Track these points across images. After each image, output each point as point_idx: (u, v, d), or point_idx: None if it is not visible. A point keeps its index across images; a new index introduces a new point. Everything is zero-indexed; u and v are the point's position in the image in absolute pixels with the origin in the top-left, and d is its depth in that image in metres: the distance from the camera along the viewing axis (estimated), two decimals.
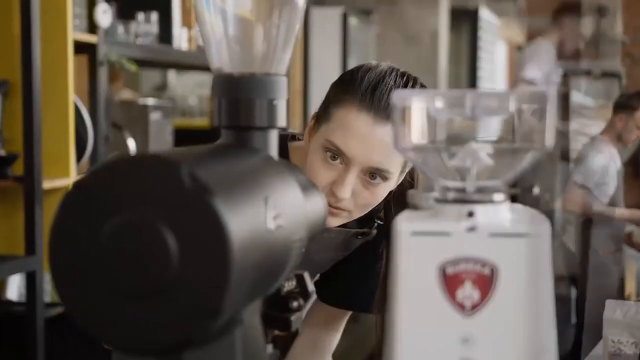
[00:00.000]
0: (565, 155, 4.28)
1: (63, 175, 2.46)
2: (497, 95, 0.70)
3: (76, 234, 0.62)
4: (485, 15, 7.45)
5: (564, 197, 4.05)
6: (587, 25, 9.25)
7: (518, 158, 0.70)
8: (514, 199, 0.72)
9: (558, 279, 4.03)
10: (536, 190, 4.07)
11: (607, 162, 3.93)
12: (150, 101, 3.08)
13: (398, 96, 0.70)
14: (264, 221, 0.67)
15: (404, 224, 0.69)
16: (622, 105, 4.27)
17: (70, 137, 2.47)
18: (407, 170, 1.33)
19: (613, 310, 1.95)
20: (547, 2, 9.77)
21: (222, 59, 0.82)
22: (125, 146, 2.85)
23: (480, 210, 0.69)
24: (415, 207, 0.78)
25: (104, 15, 2.60)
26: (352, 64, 5.76)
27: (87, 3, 2.60)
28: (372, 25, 5.06)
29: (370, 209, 1.30)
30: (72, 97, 2.47)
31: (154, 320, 0.60)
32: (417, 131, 0.71)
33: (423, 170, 0.72)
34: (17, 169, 2.36)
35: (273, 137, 0.82)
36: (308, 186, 0.85)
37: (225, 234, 0.60)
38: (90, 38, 2.61)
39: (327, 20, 4.77)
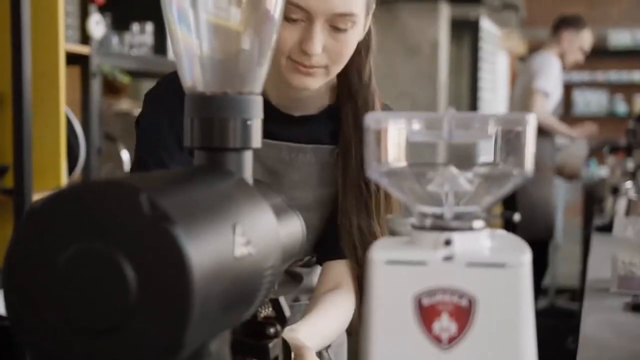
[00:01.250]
0: None
1: (54, 188, 2.43)
2: (475, 118, 0.67)
3: (31, 261, 0.59)
4: (487, 25, 7.43)
5: (530, 108, 4.17)
6: None
7: (498, 184, 0.67)
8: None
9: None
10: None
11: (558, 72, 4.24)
12: None
13: (372, 118, 0.67)
14: (231, 249, 0.64)
15: (378, 252, 0.66)
16: (569, 24, 4.33)
17: (62, 149, 2.44)
18: (371, 12, 1.28)
19: (623, 227, 1.81)
20: (548, 13, 9.76)
21: (194, 77, 0.79)
22: (119, 158, 2.82)
23: (458, 238, 0.66)
24: (393, 233, 0.75)
25: (97, 26, 2.57)
26: None
27: (80, 14, 2.58)
28: None
29: (345, 61, 1.25)
30: (64, 109, 2.44)
31: (111, 356, 0.57)
32: (392, 155, 0.68)
33: (399, 196, 0.69)
34: (7, 181, 2.33)
35: (247, 158, 0.79)
36: (283, 209, 0.82)
37: (185, 264, 0.57)
38: (83, 49, 2.58)
39: None
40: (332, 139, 1.33)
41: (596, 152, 9.66)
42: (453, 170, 0.68)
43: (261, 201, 0.74)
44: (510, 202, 4.17)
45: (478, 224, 0.67)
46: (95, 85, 2.61)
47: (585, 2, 9.77)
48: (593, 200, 4.58)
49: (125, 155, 2.88)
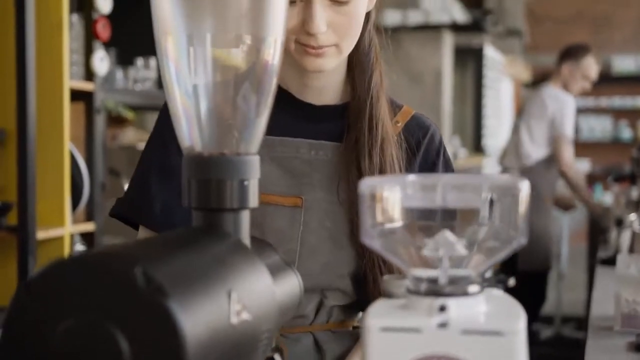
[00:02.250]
0: None
1: (58, 224, 2.44)
2: (469, 184, 0.68)
3: (27, 336, 0.59)
4: (490, 52, 7.46)
5: (560, 156, 4.19)
6: None
7: (493, 249, 0.68)
8: None
9: None
10: None
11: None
12: None
13: (366, 183, 0.68)
14: (227, 317, 0.64)
15: (373, 318, 0.66)
16: (568, 55, 4.36)
17: (66, 186, 2.45)
18: None
19: (626, 264, 1.79)
20: (551, 39, 9.80)
21: (192, 138, 0.80)
22: (123, 192, 2.82)
23: (453, 303, 0.66)
24: (388, 295, 0.75)
25: (101, 62, 2.59)
26: None
27: (85, 50, 2.60)
28: None
29: (357, 35, 1.17)
30: (68, 145, 2.45)
31: None
32: (386, 220, 0.68)
33: (393, 260, 0.70)
34: (11, 218, 2.34)
35: (245, 218, 0.80)
36: (279, 267, 0.82)
37: (180, 337, 0.57)
38: (87, 86, 2.60)
39: None
40: None
41: (601, 178, 9.67)
42: (448, 235, 0.68)
43: (257, 263, 0.74)
44: None
45: (473, 288, 0.67)
46: (100, 121, 2.63)
47: (588, 28, 9.81)
48: (597, 230, 4.57)
49: None
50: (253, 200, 0.79)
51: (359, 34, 1.17)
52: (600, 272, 2.79)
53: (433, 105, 5.44)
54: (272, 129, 1.22)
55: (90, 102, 2.61)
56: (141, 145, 3.12)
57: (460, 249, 0.68)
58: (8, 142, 2.39)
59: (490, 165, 7.39)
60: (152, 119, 3.37)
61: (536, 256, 4.14)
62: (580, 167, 9.83)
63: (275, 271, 0.79)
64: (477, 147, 7.30)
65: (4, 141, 2.38)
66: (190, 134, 0.80)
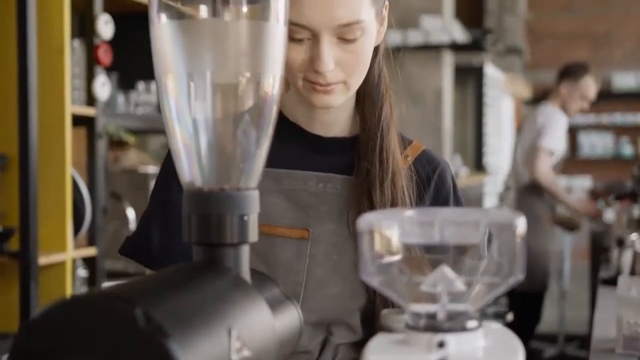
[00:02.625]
0: None
1: (60, 249, 2.45)
2: (467, 220, 0.68)
3: None
4: (491, 71, 7.48)
5: (533, 163, 4.18)
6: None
7: (491, 284, 0.68)
8: None
9: None
10: None
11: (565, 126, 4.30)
12: (151, 169, 3.08)
13: (364, 220, 0.68)
14: (227, 355, 0.65)
15: (373, 355, 0.66)
16: (567, 74, 4.35)
17: (68, 211, 2.45)
18: (385, 10, 1.20)
19: (627, 286, 1.79)
20: (552, 56, 9.83)
21: (192, 173, 0.81)
22: (125, 216, 2.84)
23: (451, 339, 0.66)
24: (387, 329, 0.75)
25: (103, 87, 2.61)
26: None
27: (86, 75, 2.61)
28: None
29: (365, 71, 1.17)
30: (70, 171, 2.46)
31: None
32: (384, 255, 0.69)
33: (391, 295, 0.70)
34: (13, 244, 2.34)
35: (244, 253, 0.80)
36: (279, 300, 0.82)
37: None
38: (89, 111, 2.61)
39: None
40: None
41: (602, 195, 9.66)
42: (446, 270, 0.69)
43: (256, 298, 0.75)
44: None
45: (472, 324, 0.68)
46: (101, 146, 2.64)
47: (588, 45, 9.85)
48: (599, 247, 4.57)
49: (131, 213, 2.90)
50: (253, 234, 0.80)
51: (366, 70, 1.17)
52: (602, 292, 2.79)
53: (434, 124, 5.46)
54: (280, 161, 1.23)
55: (92, 127, 2.62)
56: (143, 168, 3.13)
57: (459, 284, 0.68)
58: (10, 168, 2.40)
59: (491, 183, 7.40)
60: (153, 141, 3.39)
61: (534, 276, 4.12)
62: (582, 183, 9.84)
63: (275, 305, 0.79)
64: (478, 165, 7.31)
65: (6, 166, 2.39)
66: (190, 169, 0.80)
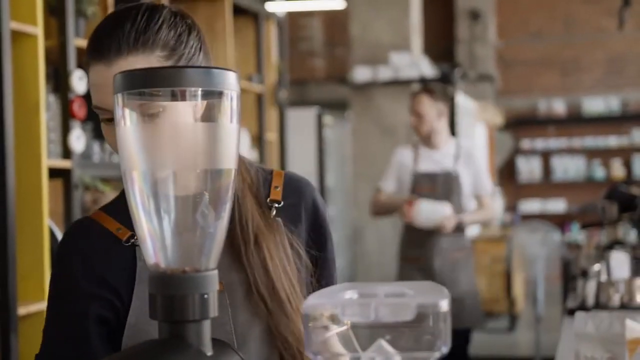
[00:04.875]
0: None
1: (38, 299, 2.51)
2: (399, 303, 0.77)
3: None
4: (462, 100, 7.62)
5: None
6: (461, 29, 9.45)
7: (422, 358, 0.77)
8: None
9: None
10: None
11: None
12: None
13: (308, 304, 0.77)
14: None
15: None
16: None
17: (45, 262, 2.52)
18: None
19: (584, 322, 1.87)
20: (523, 82, 10.01)
21: (157, 256, 0.89)
22: None
23: None
24: None
25: (78, 140, 2.69)
26: (328, 160, 5.90)
27: (62, 129, 2.69)
28: (346, 122, 5.19)
29: None
30: (47, 222, 2.53)
31: None
32: (326, 333, 0.77)
33: None
34: None
35: (206, 327, 0.89)
36: None
37: None
38: (65, 164, 2.69)
39: (303, 120, 4.91)
40: None
41: (577, 217, 9.81)
42: (383, 344, 0.78)
43: None
44: None
45: None
46: (77, 197, 2.71)
47: (558, 71, 10.05)
48: (569, 274, 4.67)
49: None
50: (213, 310, 0.89)
51: None
52: (567, 322, 2.87)
53: None
54: None
55: (68, 179, 2.69)
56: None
57: (395, 357, 0.77)
58: None
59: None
60: None
61: (464, 314, 3.98)
62: (556, 206, 9.99)
63: None
64: None
65: None
66: (154, 253, 0.89)
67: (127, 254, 1.24)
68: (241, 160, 1.29)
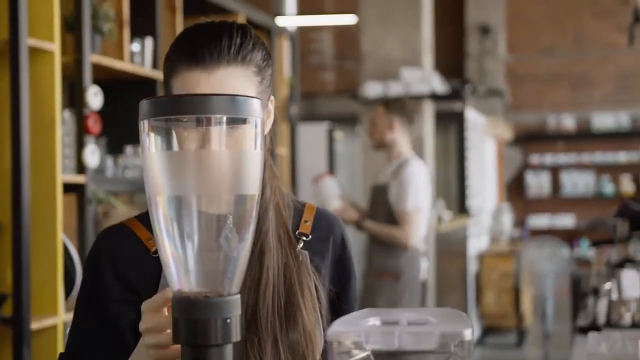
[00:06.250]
0: None
1: (51, 313, 2.52)
2: (422, 332, 0.78)
3: None
4: (472, 115, 7.63)
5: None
6: (472, 44, 9.41)
7: None
8: None
9: None
10: None
11: None
12: None
13: (333, 331, 0.78)
14: None
15: None
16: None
17: (59, 277, 2.53)
18: (271, 102, 1.27)
19: (597, 342, 1.86)
20: (532, 97, 10.01)
21: (180, 281, 0.90)
22: None
23: None
24: None
25: (92, 156, 2.71)
26: (339, 175, 5.92)
27: (76, 144, 2.71)
28: (356, 137, 5.20)
29: None
30: (61, 237, 2.55)
31: None
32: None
33: None
34: (6, 309, 2.41)
35: (228, 352, 0.89)
36: None
37: None
38: (79, 179, 2.71)
39: (313, 135, 4.92)
40: None
41: (586, 233, 9.79)
42: None
43: None
44: None
45: None
46: (91, 212, 2.73)
47: (568, 86, 10.04)
48: (579, 291, 4.65)
49: None
50: (235, 334, 0.89)
51: None
52: (579, 341, 2.86)
53: None
54: None
55: (82, 194, 2.71)
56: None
57: None
58: (3, 235, 2.48)
59: (474, 225, 7.51)
60: (141, 200, 3.47)
61: None
62: (565, 222, 9.98)
63: None
64: (461, 208, 7.42)
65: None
66: (178, 278, 0.90)
67: (154, 263, 1.25)
68: (277, 190, 1.31)
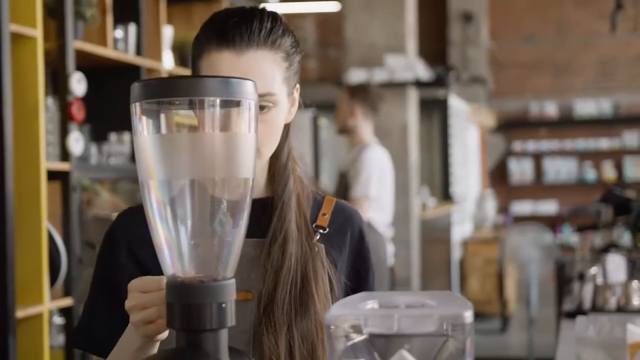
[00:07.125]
0: None
1: (36, 302, 2.50)
2: (421, 314, 0.77)
3: None
4: (455, 102, 7.64)
5: None
6: (454, 31, 9.44)
7: None
8: None
9: None
10: None
11: None
12: None
13: (332, 314, 0.77)
14: None
15: None
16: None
17: (44, 265, 2.51)
18: (295, 93, 1.28)
19: (585, 326, 1.86)
20: (515, 84, 10.04)
21: (174, 266, 0.89)
22: None
23: None
24: None
25: (76, 143, 2.68)
26: (324, 163, 5.91)
27: (60, 131, 2.68)
28: None
29: (277, 142, 1.24)
30: (45, 224, 2.52)
31: None
32: (348, 343, 0.77)
33: None
34: None
35: (223, 337, 0.88)
36: None
37: None
38: (63, 166, 2.68)
39: (298, 122, 4.87)
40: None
41: (568, 219, 9.85)
42: (405, 354, 0.78)
43: None
44: None
45: None
46: (75, 199, 2.71)
47: (551, 73, 10.07)
48: (564, 277, 4.67)
49: None
50: (230, 319, 0.88)
51: (277, 141, 1.24)
52: (565, 325, 2.88)
53: (401, 158, 5.56)
54: None
55: (66, 181, 2.69)
56: (113, 215, 3.19)
57: None
58: None
59: (459, 212, 7.53)
60: (125, 187, 3.45)
61: None
62: (548, 208, 10.04)
63: None
64: (445, 195, 7.44)
65: None
66: (172, 262, 0.89)
67: None
68: (299, 180, 1.31)
